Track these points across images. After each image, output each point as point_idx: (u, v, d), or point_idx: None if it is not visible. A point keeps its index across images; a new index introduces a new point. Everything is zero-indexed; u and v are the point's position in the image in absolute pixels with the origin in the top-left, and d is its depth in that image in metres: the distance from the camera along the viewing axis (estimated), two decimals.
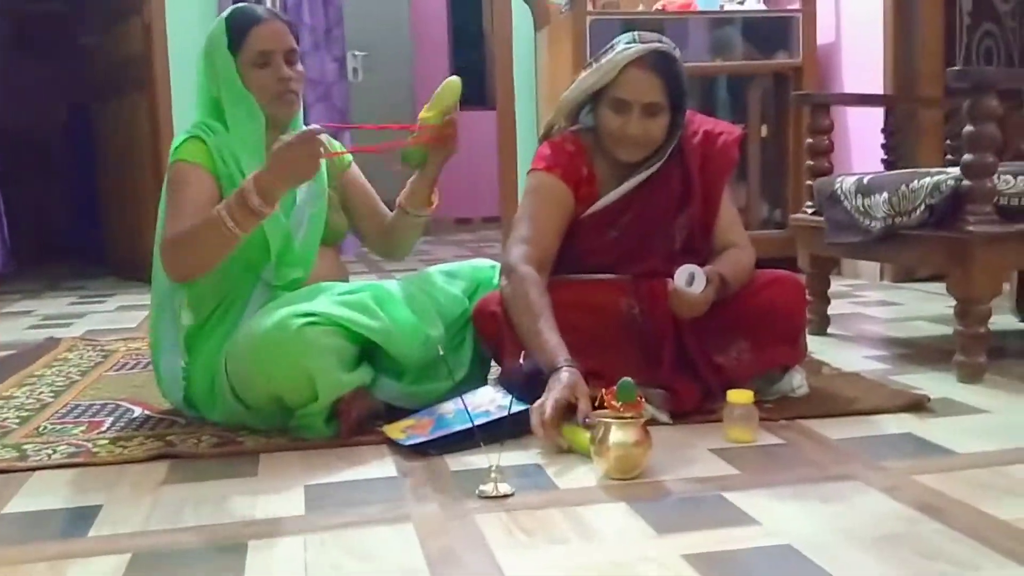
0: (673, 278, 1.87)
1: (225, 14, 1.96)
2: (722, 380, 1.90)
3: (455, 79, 2.00)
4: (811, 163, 2.80)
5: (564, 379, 1.69)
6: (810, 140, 2.82)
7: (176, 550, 1.34)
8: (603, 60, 1.95)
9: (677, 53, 1.96)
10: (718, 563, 1.23)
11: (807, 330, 2.14)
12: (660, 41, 1.95)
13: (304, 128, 1.80)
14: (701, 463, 1.63)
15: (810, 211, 2.73)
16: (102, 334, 3.16)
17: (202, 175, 1.88)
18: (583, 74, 1.99)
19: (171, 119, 4.39)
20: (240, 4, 2.00)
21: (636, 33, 1.98)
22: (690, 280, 1.85)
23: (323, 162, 2.01)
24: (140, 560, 1.31)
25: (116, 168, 4.97)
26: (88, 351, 2.81)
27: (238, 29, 1.90)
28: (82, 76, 5.45)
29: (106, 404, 2.14)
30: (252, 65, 1.89)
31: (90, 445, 1.81)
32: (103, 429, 1.93)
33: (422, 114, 2.00)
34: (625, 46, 1.93)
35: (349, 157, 2.15)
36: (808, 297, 2.50)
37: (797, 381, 2.01)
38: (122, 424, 1.97)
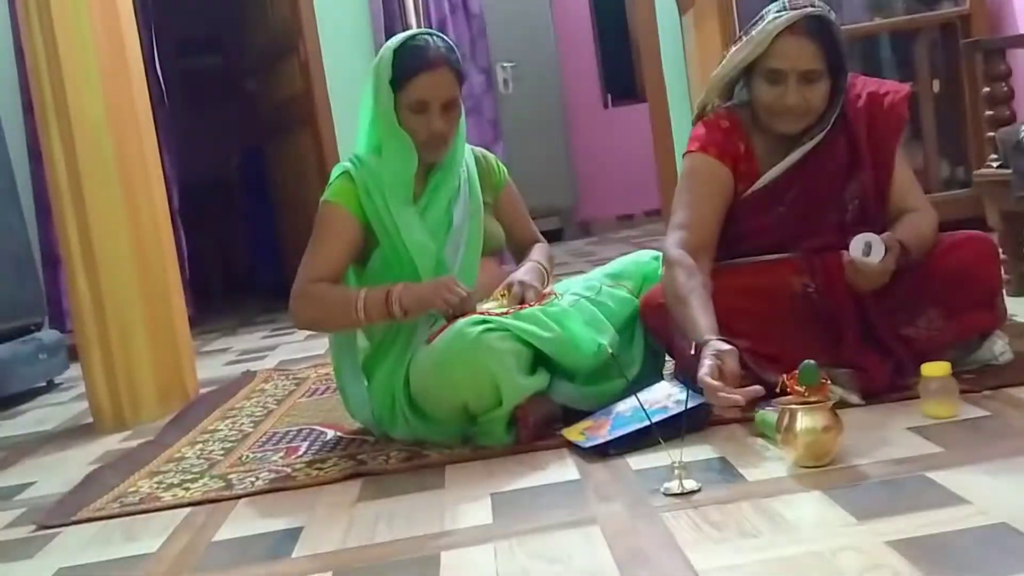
0: (848, 249, 1.77)
1: (396, 43, 1.94)
2: (914, 353, 1.80)
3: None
4: (991, 113, 2.62)
5: (712, 347, 1.63)
6: (987, 89, 2.64)
7: (374, 564, 1.39)
8: (753, 32, 1.88)
9: (832, 15, 1.87)
10: (927, 548, 1.15)
11: (1004, 291, 1.99)
12: (812, 5, 1.86)
13: (461, 289, 1.84)
14: (899, 443, 1.54)
15: (995, 164, 2.55)
16: (294, 363, 3.31)
17: (345, 218, 1.94)
18: (733, 49, 1.93)
19: (336, 152, 4.57)
20: (414, 36, 1.96)
21: (785, 0, 1.90)
22: (867, 249, 1.75)
23: (478, 180, 2.05)
24: None
25: (290, 204, 5.22)
26: (282, 380, 2.96)
27: (405, 69, 1.90)
28: (250, 120, 5.77)
29: (301, 429, 2.24)
30: (408, 109, 1.92)
31: (289, 470, 1.90)
32: (300, 453, 2.02)
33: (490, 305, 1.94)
34: (776, 14, 1.85)
35: (505, 174, 2.17)
36: (1002, 256, 2.33)
37: (999, 347, 1.87)
38: (316, 447, 2.05)
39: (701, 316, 1.72)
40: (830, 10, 1.88)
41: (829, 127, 1.90)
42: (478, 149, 2.16)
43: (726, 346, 1.64)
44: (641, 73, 5.59)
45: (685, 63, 4.65)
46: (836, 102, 1.89)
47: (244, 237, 6.93)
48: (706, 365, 1.60)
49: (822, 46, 1.84)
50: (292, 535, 1.55)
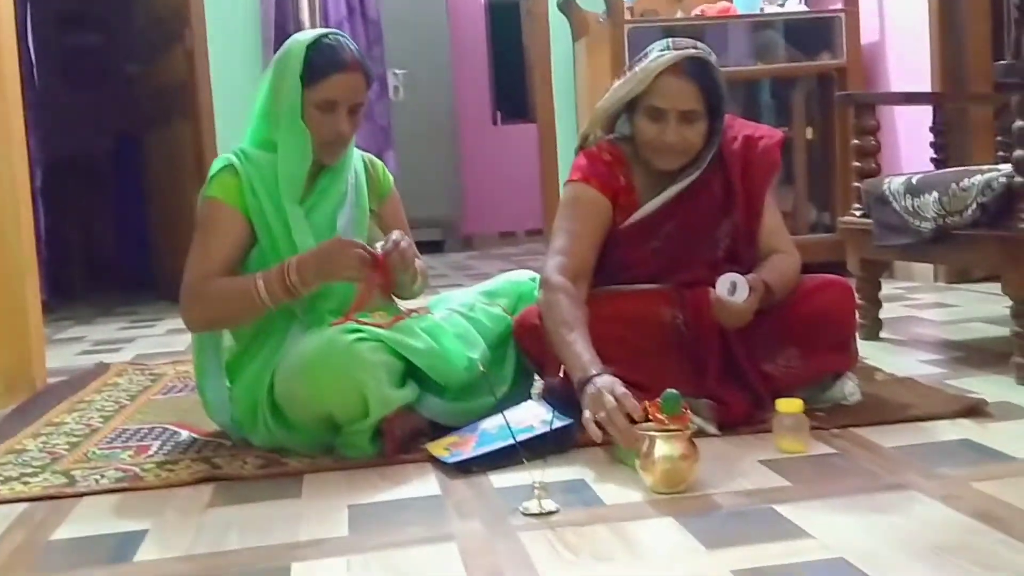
0: (715, 287, 1.83)
1: (309, 39, 1.89)
2: (771, 389, 1.86)
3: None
4: (858, 164, 2.75)
5: (600, 383, 1.65)
6: (856, 141, 2.77)
7: (221, 573, 1.34)
8: (637, 68, 1.92)
9: (713, 58, 1.93)
10: None
11: (858, 335, 2.09)
12: (695, 47, 1.92)
13: (364, 248, 1.80)
14: (751, 475, 1.59)
15: (858, 213, 2.68)
16: (151, 358, 3.19)
17: (230, 215, 1.88)
18: (617, 83, 1.97)
19: (215, 145, 4.45)
20: (326, 35, 1.92)
21: (670, 40, 1.95)
22: (732, 289, 1.81)
23: (365, 186, 2.02)
24: None
25: (163, 194, 5.05)
26: (137, 375, 2.84)
27: (318, 68, 1.86)
28: (127, 104, 5.56)
29: (153, 428, 2.16)
30: (316, 107, 1.87)
31: (137, 469, 1.82)
32: (150, 453, 1.94)
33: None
34: (659, 53, 1.91)
35: (391, 181, 2.14)
36: (859, 301, 2.44)
37: (849, 388, 1.96)
38: (169, 448, 1.98)
39: (584, 350, 1.73)
40: (711, 53, 1.94)
41: (706, 166, 1.96)
42: (367, 155, 2.13)
43: (620, 386, 1.64)
44: (532, 94, 5.66)
45: (575, 89, 4.73)
46: (713, 142, 1.95)
47: (111, 225, 6.66)
48: (610, 405, 1.59)
49: (702, 87, 1.89)
50: (136, 538, 1.48)
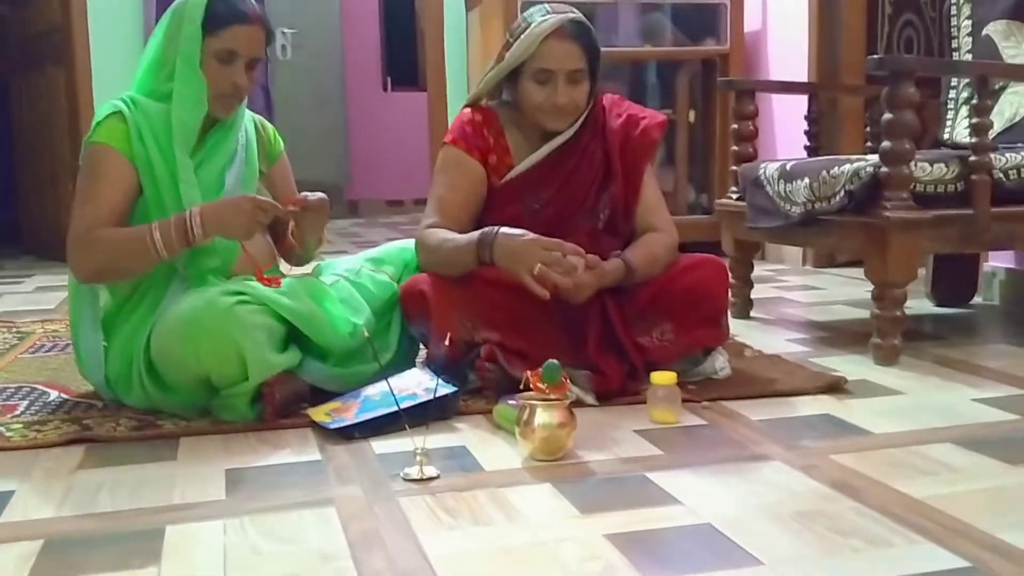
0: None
1: None
2: (646, 361, 1.93)
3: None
4: (735, 149, 2.84)
5: (502, 235, 1.82)
6: (735, 126, 2.86)
7: (90, 536, 1.31)
8: (521, 35, 1.96)
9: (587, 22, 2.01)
10: (639, 542, 1.25)
11: (730, 313, 2.18)
12: (572, 11, 2.00)
13: (268, 201, 1.81)
14: (625, 444, 1.65)
15: (734, 196, 2.77)
16: (19, 315, 3.06)
17: (119, 162, 1.83)
18: (503, 52, 2.00)
19: (91, 94, 4.27)
20: None
21: (547, 5, 2.01)
22: None
23: (255, 147, 1.99)
24: (52, 546, 1.27)
25: (33, 145, 4.81)
26: (3, 333, 2.72)
27: (219, 17, 1.83)
28: None
29: (21, 387, 2.08)
30: (215, 57, 1.84)
31: (3, 429, 1.76)
32: (17, 413, 1.87)
33: None
34: (542, 18, 1.96)
35: (281, 145, 2.12)
36: (731, 280, 2.54)
37: (720, 363, 2.04)
38: (37, 408, 1.91)
39: (470, 235, 1.86)
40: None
41: (586, 130, 2.02)
42: (258, 117, 2.10)
43: (525, 233, 1.80)
44: (423, 62, 5.61)
45: (467, 58, 4.72)
46: (589, 103, 2.02)
47: None
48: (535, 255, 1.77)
49: (584, 48, 1.96)
50: (2, 499, 1.44)
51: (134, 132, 1.83)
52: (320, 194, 1.92)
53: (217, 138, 1.92)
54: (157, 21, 1.94)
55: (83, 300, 1.90)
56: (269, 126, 2.12)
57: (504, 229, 1.84)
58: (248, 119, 2.03)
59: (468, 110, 2.08)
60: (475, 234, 1.87)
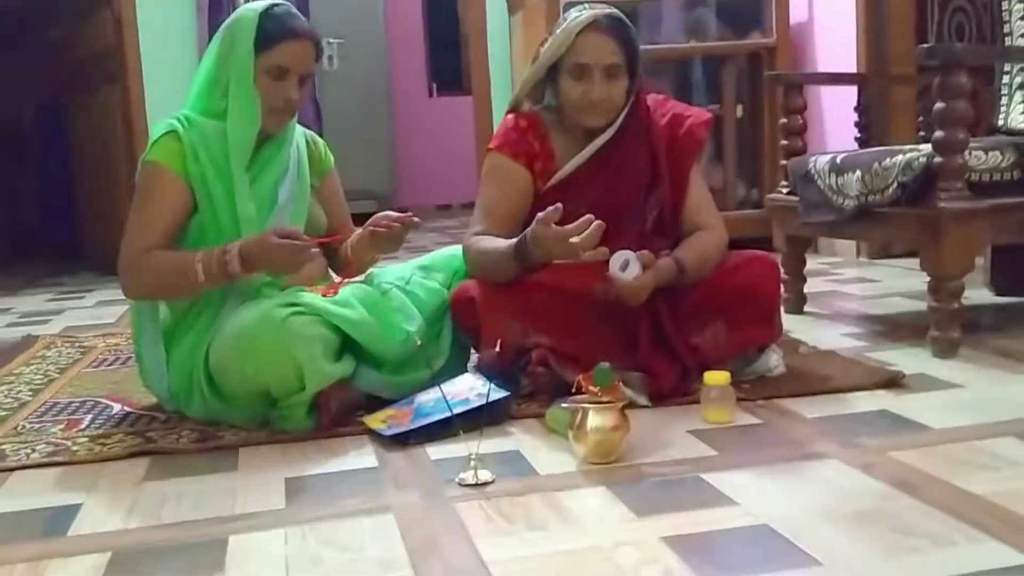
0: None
1: (261, 7, 1.90)
2: (699, 361, 1.92)
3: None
4: (785, 143, 2.82)
5: (530, 235, 1.79)
6: (784, 120, 2.83)
7: (155, 547, 1.34)
8: (557, 31, 1.96)
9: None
10: (696, 544, 1.24)
11: (783, 309, 2.16)
12: (609, 8, 1.99)
13: (306, 240, 1.82)
14: (679, 445, 1.65)
15: (785, 191, 2.74)
16: (81, 331, 3.14)
17: (172, 181, 1.87)
18: (541, 49, 2.01)
19: (144, 113, 4.36)
20: (278, 5, 1.92)
21: (585, 3, 2.02)
22: (624, 266, 1.85)
23: (307, 162, 2.03)
24: (120, 558, 1.31)
25: (90, 163, 4.93)
26: (67, 348, 2.80)
27: (271, 34, 1.87)
28: (51, 70, 5.39)
29: (85, 401, 2.14)
30: (267, 73, 1.88)
31: (69, 443, 1.81)
32: (82, 427, 1.92)
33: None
34: (578, 12, 1.97)
35: (332, 161, 2.15)
36: (783, 276, 2.51)
37: (774, 361, 2.02)
38: (101, 421, 1.96)
39: (506, 242, 1.87)
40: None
41: (629, 129, 2.01)
42: (308, 132, 2.15)
43: (546, 224, 1.76)
44: (468, 67, 5.64)
45: (511, 61, 4.73)
46: (630, 101, 2.01)
47: (36, 194, 6.47)
48: (554, 236, 1.74)
49: (621, 42, 1.96)
50: (69, 512, 1.48)
51: (189, 151, 1.87)
52: (396, 216, 1.94)
53: (270, 153, 1.96)
54: (209, 39, 1.99)
55: (144, 314, 1.95)
56: (320, 141, 2.15)
57: (528, 236, 1.82)
58: (299, 134, 2.07)
59: (512, 116, 2.08)
60: (513, 241, 1.87)
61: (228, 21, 1.93)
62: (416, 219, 1.95)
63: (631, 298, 1.86)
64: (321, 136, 2.20)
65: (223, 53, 1.91)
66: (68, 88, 5.10)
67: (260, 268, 1.82)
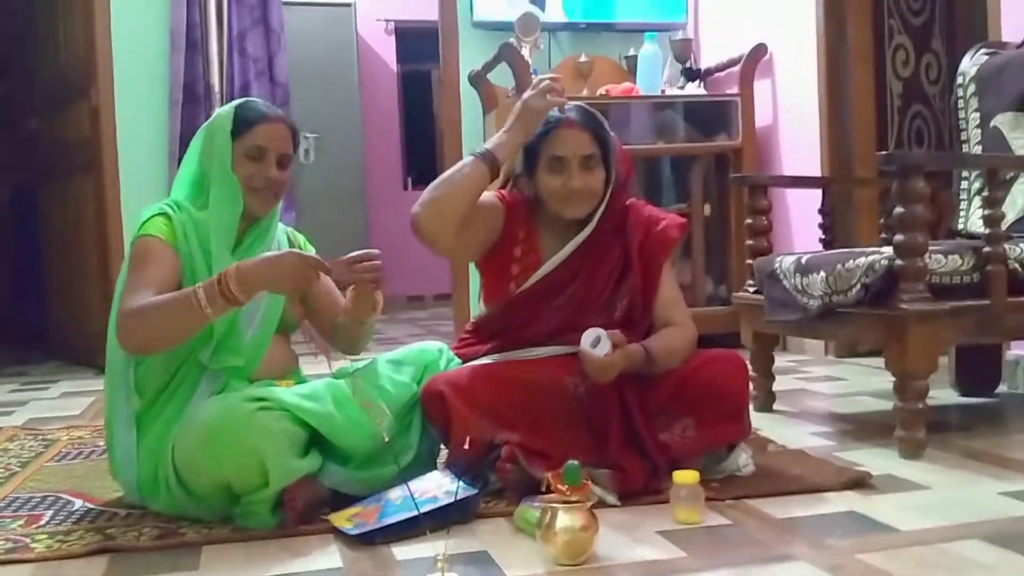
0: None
1: (237, 102, 2.03)
2: (669, 458, 1.92)
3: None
4: (750, 243, 2.87)
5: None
6: (749, 220, 2.89)
7: None
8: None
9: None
10: None
11: (752, 406, 2.17)
12: (581, 104, 2.09)
13: (312, 255, 1.85)
14: (648, 546, 1.64)
15: (751, 289, 2.79)
16: (45, 422, 3.08)
17: (166, 251, 1.89)
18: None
19: (119, 202, 4.37)
20: (253, 99, 2.08)
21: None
22: (595, 343, 1.88)
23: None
24: None
25: (60, 251, 4.91)
26: (29, 440, 2.75)
27: (245, 120, 1.96)
28: (27, 157, 5.42)
29: (46, 496, 2.09)
30: (246, 156, 1.95)
31: (28, 540, 1.76)
32: (42, 523, 1.88)
33: None
34: (551, 113, 2.04)
35: (312, 251, 2.17)
36: (752, 373, 2.53)
37: (743, 460, 2.03)
38: (62, 517, 1.92)
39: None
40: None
41: (606, 224, 2.07)
42: (288, 228, 2.20)
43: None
44: (442, 161, 5.73)
45: None
46: (607, 193, 2.07)
47: (7, 280, 6.43)
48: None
49: (593, 133, 2.04)
50: None
51: (179, 229, 1.91)
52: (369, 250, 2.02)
53: (254, 236, 2.00)
54: (182, 134, 2.04)
55: (119, 398, 1.92)
56: (299, 235, 2.21)
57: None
58: (280, 231, 2.11)
59: (511, 193, 2.14)
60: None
61: (205, 123, 2.01)
62: (375, 250, 2.03)
63: (600, 375, 1.88)
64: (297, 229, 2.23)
65: (205, 149, 1.97)
66: (45, 174, 5.12)
67: (262, 283, 1.78)
